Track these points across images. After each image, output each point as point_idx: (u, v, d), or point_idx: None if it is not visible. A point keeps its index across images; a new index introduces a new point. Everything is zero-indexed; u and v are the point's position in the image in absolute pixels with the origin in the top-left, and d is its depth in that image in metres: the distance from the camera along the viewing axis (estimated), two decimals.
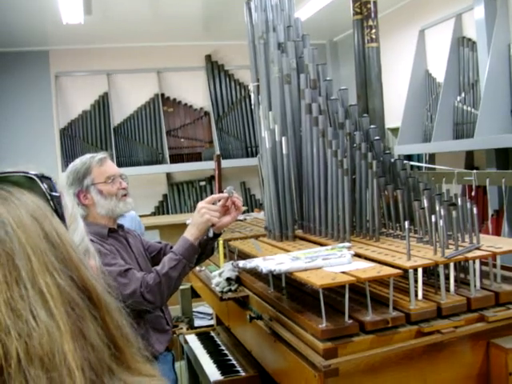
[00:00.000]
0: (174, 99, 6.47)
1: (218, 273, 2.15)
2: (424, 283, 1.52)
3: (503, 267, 1.72)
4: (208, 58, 6.47)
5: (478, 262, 1.56)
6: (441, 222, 1.56)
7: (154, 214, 6.26)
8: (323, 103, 2.07)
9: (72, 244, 0.56)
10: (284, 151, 2.19)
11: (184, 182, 6.41)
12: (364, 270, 1.47)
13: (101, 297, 0.55)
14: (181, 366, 3.05)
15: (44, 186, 0.57)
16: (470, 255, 1.54)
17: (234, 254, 2.30)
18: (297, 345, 1.47)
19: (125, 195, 2.04)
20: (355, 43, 2.62)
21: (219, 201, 2.05)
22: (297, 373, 1.47)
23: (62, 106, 6.09)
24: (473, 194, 3.42)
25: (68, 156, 5.88)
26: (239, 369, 2.32)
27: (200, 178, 6.42)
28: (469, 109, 4.30)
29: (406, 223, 1.57)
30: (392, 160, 2.02)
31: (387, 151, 2.04)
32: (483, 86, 3.95)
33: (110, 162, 2.06)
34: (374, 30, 2.53)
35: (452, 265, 1.53)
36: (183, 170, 6.22)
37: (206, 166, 6.11)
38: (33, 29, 5.17)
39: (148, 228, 4.55)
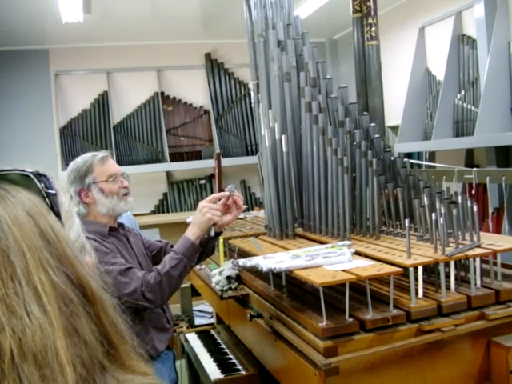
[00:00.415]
0: (174, 98, 6.47)
1: (219, 271, 2.15)
2: (424, 281, 1.52)
3: (503, 265, 1.72)
4: (207, 56, 6.46)
5: (478, 259, 1.56)
6: (441, 220, 1.56)
7: (153, 212, 6.26)
8: (323, 101, 2.07)
9: (68, 241, 0.56)
10: (284, 149, 2.19)
11: (184, 180, 6.41)
12: (364, 268, 1.47)
13: (96, 293, 0.56)
14: (181, 364, 3.05)
15: (40, 184, 0.57)
16: (470, 253, 1.54)
17: (234, 253, 2.30)
18: (297, 343, 1.47)
19: (126, 194, 2.03)
20: (355, 41, 2.62)
21: (220, 200, 2.04)
22: (297, 371, 1.47)
23: (62, 104, 6.09)
24: (473, 191, 3.42)
25: (68, 155, 5.89)
26: (239, 367, 2.32)
27: (200, 177, 6.42)
28: (469, 107, 4.29)
29: (407, 221, 1.57)
30: (392, 158, 2.02)
31: (387, 149, 2.04)
32: (483, 83, 3.95)
33: (111, 161, 2.06)
34: (373, 28, 2.53)
35: (452, 263, 1.53)
36: (183, 168, 6.22)
37: (206, 165, 6.11)
38: (32, 27, 5.16)
39: (148, 226, 4.55)
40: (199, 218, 1.95)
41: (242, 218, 2.92)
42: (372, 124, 2.06)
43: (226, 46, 6.41)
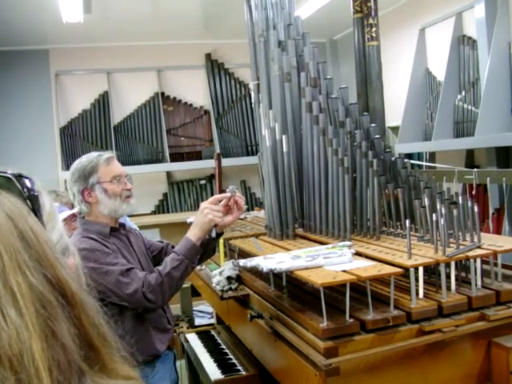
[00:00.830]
0: (174, 98, 6.47)
1: (219, 271, 2.15)
2: (425, 282, 1.52)
3: (504, 266, 1.72)
4: (208, 56, 6.46)
5: (478, 260, 1.56)
6: (442, 221, 1.56)
7: (154, 212, 6.26)
8: (324, 101, 2.07)
9: (48, 242, 0.55)
10: (284, 149, 2.19)
11: (184, 180, 6.41)
12: (365, 268, 1.47)
13: (76, 295, 0.55)
14: (181, 364, 3.05)
15: (21, 186, 0.57)
16: (470, 254, 1.54)
17: (234, 253, 2.30)
18: (297, 344, 1.47)
19: (128, 196, 2.03)
20: (355, 42, 2.62)
21: (221, 201, 2.04)
22: (297, 372, 1.47)
23: (62, 104, 6.09)
24: (473, 192, 3.42)
25: (68, 155, 5.88)
26: (240, 368, 2.32)
27: (200, 177, 6.42)
28: (469, 107, 4.29)
29: (407, 222, 1.57)
30: (392, 158, 2.02)
31: (388, 150, 2.04)
32: (483, 84, 3.95)
33: (116, 162, 2.05)
34: (374, 29, 2.53)
35: (453, 263, 1.53)
36: (183, 168, 6.22)
37: (206, 165, 6.11)
38: (33, 27, 5.16)
39: (148, 227, 4.55)
40: (201, 219, 1.95)
41: (242, 219, 2.92)
42: (372, 124, 2.06)
43: (227, 46, 6.40)
